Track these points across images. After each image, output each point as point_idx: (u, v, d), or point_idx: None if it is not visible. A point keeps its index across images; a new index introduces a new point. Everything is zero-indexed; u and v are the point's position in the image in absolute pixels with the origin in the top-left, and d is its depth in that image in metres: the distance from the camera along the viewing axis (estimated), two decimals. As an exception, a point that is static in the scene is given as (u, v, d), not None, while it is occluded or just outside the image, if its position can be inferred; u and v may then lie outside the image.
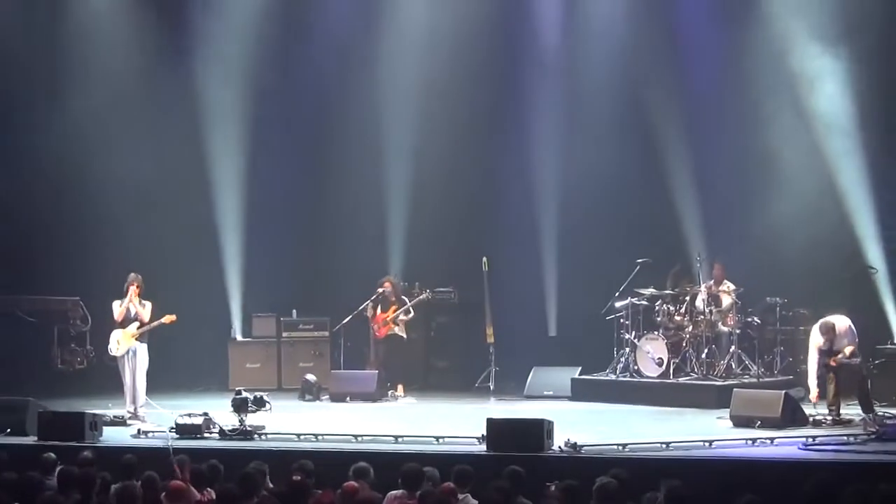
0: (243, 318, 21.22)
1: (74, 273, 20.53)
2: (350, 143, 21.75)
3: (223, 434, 15.49)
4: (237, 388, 16.27)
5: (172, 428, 15.59)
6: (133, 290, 17.26)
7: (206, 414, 15.93)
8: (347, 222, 21.62)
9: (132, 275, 17.40)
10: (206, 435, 15.50)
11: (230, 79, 21.38)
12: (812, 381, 16.84)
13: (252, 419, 15.71)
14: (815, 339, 17.02)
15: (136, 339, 17.20)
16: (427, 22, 21.18)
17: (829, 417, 16.25)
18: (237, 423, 15.58)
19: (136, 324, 17.24)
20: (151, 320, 17.29)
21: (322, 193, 21.86)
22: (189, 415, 16.07)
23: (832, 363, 16.80)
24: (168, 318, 17.45)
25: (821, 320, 16.99)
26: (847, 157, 19.44)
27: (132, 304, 17.23)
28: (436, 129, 21.18)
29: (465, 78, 21.10)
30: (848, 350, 16.66)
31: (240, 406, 15.71)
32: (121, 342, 17.22)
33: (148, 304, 17.30)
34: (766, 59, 20.05)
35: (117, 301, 17.31)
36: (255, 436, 15.50)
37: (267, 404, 16.12)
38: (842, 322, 16.94)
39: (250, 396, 15.89)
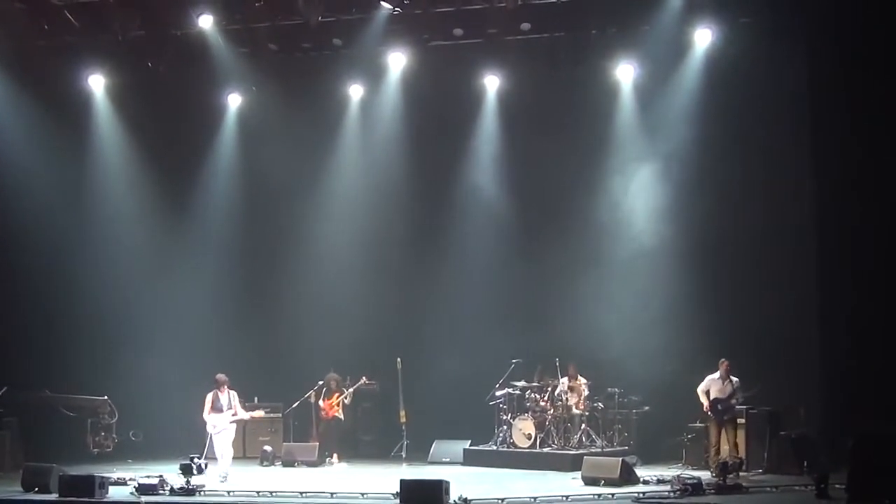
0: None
1: (103, 373, 21.78)
2: (299, 272, 23.27)
3: (173, 491, 16.86)
4: (191, 455, 17.29)
5: (137, 486, 16.95)
6: (226, 386, 19.04)
7: (160, 476, 17.36)
8: (296, 332, 22.99)
9: (223, 376, 19.06)
10: (160, 492, 16.89)
11: (215, 225, 23.32)
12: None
13: (195, 479, 16.99)
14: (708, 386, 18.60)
15: (230, 423, 19.08)
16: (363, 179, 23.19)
17: (656, 477, 17.62)
18: (184, 483, 16.94)
19: (231, 412, 18.96)
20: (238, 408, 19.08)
21: (276, 311, 23.38)
22: (148, 476, 17.56)
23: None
24: (259, 414, 20.04)
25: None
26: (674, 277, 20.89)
27: (227, 396, 18.99)
28: (368, 258, 22.96)
29: (395, 218, 22.90)
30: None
31: (186, 470, 16.99)
32: (217, 425, 18.95)
33: (234, 394, 19.13)
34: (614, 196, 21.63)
35: (209, 393, 18.99)
36: (197, 492, 16.83)
37: (205, 468, 17.46)
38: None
39: (195, 463, 17.08)
